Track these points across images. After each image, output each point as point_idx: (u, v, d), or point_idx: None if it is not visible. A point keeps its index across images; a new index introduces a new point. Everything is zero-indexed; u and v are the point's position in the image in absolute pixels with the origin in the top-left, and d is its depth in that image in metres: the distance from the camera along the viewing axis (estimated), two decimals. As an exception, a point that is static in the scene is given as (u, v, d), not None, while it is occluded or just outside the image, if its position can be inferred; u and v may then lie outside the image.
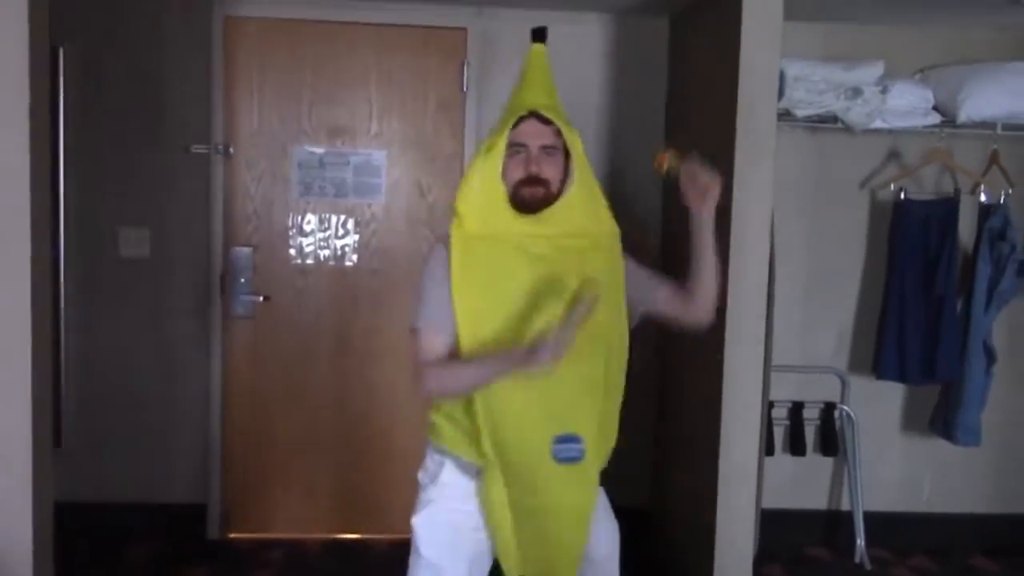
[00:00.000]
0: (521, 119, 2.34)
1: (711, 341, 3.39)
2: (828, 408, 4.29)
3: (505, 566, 2.39)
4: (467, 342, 2.28)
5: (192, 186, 4.12)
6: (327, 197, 4.18)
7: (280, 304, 4.19)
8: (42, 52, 2.72)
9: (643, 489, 4.36)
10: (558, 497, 2.34)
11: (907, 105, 3.90)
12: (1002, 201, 4.01)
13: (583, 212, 2.39)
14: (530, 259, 2.31)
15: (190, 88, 4.09)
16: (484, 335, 2.28)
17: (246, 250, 4.15)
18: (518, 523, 2.35)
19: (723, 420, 3.31)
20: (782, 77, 3.66)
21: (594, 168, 4.24)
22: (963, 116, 3.86)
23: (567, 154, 2.38)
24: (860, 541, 4.22)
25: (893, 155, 4.24)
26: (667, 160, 2.45)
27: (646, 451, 4.35)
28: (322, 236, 4.20)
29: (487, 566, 2.44)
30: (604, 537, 2.50)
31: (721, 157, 3.34)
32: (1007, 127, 3.93)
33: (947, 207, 4.08)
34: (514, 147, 2.34)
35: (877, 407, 4.36)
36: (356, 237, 4.21)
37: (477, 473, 2.36)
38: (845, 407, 4.27)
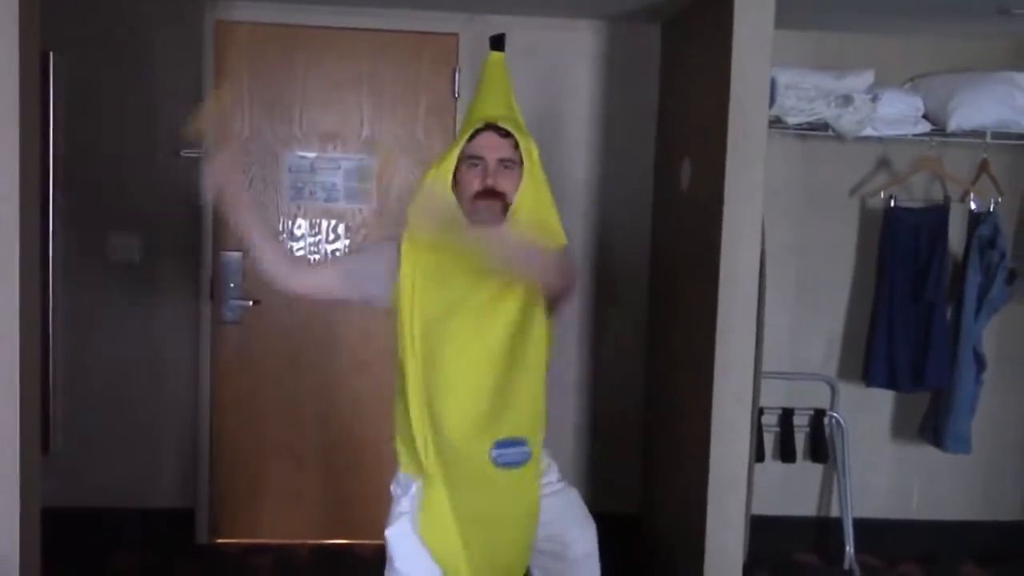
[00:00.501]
0: (478, 131, 2.33)
1: (701, 348, 3.40)
2: (818, 415, 4.29)
3: None
4: (419, 346, 2.30)
5: (182, 191, 4.11)
6: (318, 202, 4.18)
7: (270, 309, 4.18)
8: (32, 58, 2.71)
9: (633, 495, 4.36)
10: (504, 502, 2.35)
11: (897, 113, 3.91)
12: (992, 209, 4.02)
13: (530, 223, 2.36)
14: (476, 270, 2.30)
15: (181, 93, 4.08)
16: (436, 341, 2.30)
17: (236, 255, 4.14)
18: (465, 532, 2.34)
19: (713, 427, 3.31)
20: (773, 85, 3.67)
21: (584, 174, 4.30)
22: (953, 124, 3.88)
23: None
24: (849, 548, 4.22)
25: (883, 163, 4.26)
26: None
27: (636, 458, 4.36)
28: (313, 240, 4.19)
29: None
30: (579, 536, 2.50)
31: (712, 163, 3.36)
32: (997, 135, 3.96)
33: (937, 215, 4.09)
34: (471, 159, 2.32)
35: (867, 414, 4.37)
36: (347, 242, 4.20)
37: None
38: (835, 414, 4.28)
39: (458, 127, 4.09)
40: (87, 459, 4.15)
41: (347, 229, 4.20)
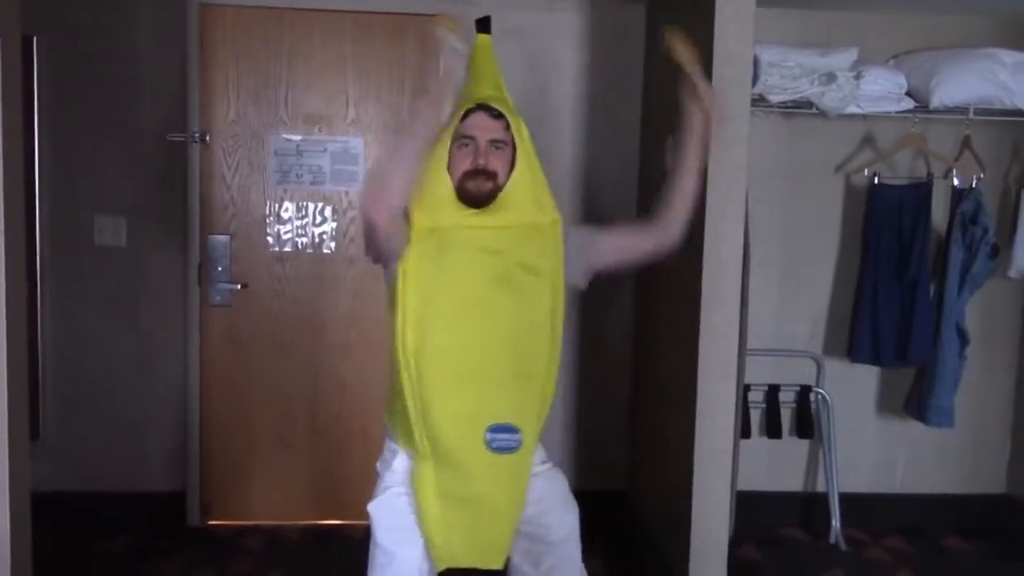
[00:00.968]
0: (469, 112, 2.35)
1: (686, 324, 3.42)
2: (804, 391, 4.33)
3: (436, 556, 2.39)
4: (413, 333, 2.30)
5: (168, 174, 4.11)
6: (304, 185, 4.18)
7: (257, 292, 4.19)
8: (15, 41, 2.70)
9: (620, 472, 4.40)
10: (492, 486, 2.36)
11: (881, 90, 3.92)
12: (974, 185, 4.04)
13: (526, 202, 2.39)
14: (473, 251, 2.33)
15: (166, 76, 4.07)
16: (432, 327, 2.31)
17: (223, 238, 4.15)
18: (449, 513, 2.36)
19: (698, 403, 3.34)
20: (756, 63, 3.68)
21: (570, 155, 4.30)
22: (936, 101, 3.89)
23: (515, 146, 2.39)
24: (835, 522, 4.27)
25: (867, 140, 4.28)
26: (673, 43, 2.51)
27: (622, 434, 4.39)
28: (299, 224, 4.20)
29: None
30: (561, 519, 2.52)
31: (696, 143, 3.37)
32: (979, 112, 3.97)
33: (920, 192, 4.12)
34: (462, 139, 2.34)
35: (852, 390, 4.41)
36: (334, 225, 4.21)
37: None
38: (820, 390, 4.32)
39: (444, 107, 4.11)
40: (77, 444, 4.17)
41: (334, 212, 4.20)
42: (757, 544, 4.22)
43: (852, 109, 3.90)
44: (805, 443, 4.43)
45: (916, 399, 4.22)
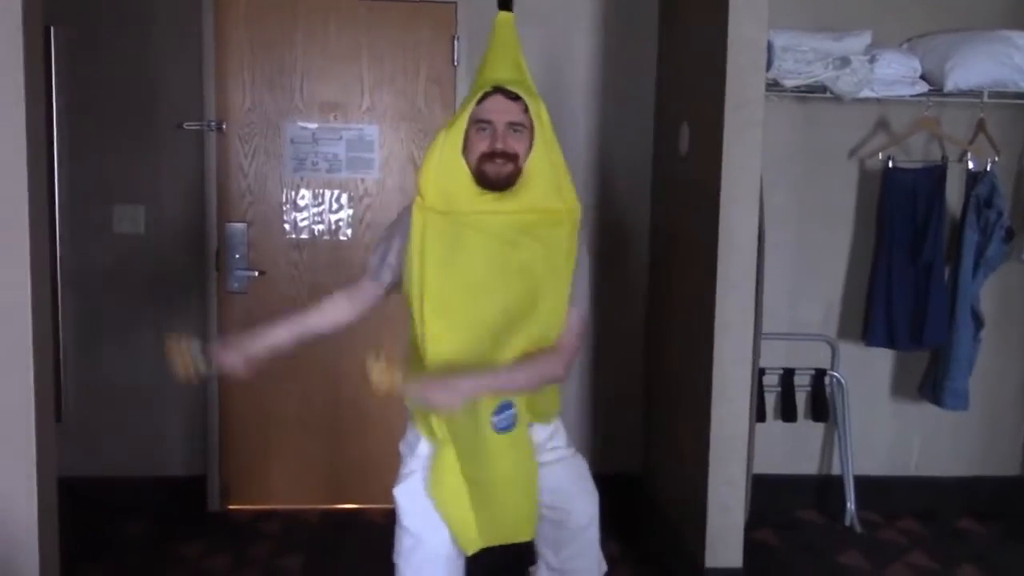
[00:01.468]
0: (487, 95, 2.29)
1: (701, 309, 3.44)
2: (819, 375, 4.34)
3: (463, 541, 2.39)
4: (429, 317, 2.30)
5: (186, 163, 4.14)
6: (320, 172, 4.21)
7: (275, 279, 4.23)
8: (35, 32, 2.73)
9: (635, 455, 4.42)
10: (505, 464, 2.35)
11: (895, 74, 3.92)
12: (989, 168, 4.04)
13: (545, 187, 2.34)
14: (488, 237, 2.30)
15: (182, 65, 4.10)
16: (448, 311, 2.30)
17: (240, 226, 4.18)
18: (472, 495, 2.36)
19: (714, 387, 3.36)
20: (770, 47, 3.68)
21: (584, 140, 4.31)
22: (950, 84, 3.89)
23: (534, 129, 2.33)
24: (850, 505, 4.29)
25: (881, 124, 4.27)
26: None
27: (638, 418, 4.41)
28: (316, 211, 4.23)
29: None
30: (581, 507, 2.51)
31: (710, 127, 3.38)
32: (993, 95, 3.96)
33: (935, 175, 4.12)
34: (479, 123, 2.29)
35: (867, 373, 4.42)
36: (350, 212, 4.23)
37: None
38: (835, 374, 4.33)
39: (458, 95, 4.13)
40: (98, 429, 4.21)
41: (350, 199, 4.23)
42: (773, 527, 4.24)
43: (866, 93, 3.90)
44: (820, 426, 4.45)
45: (931, 382, 4.22)
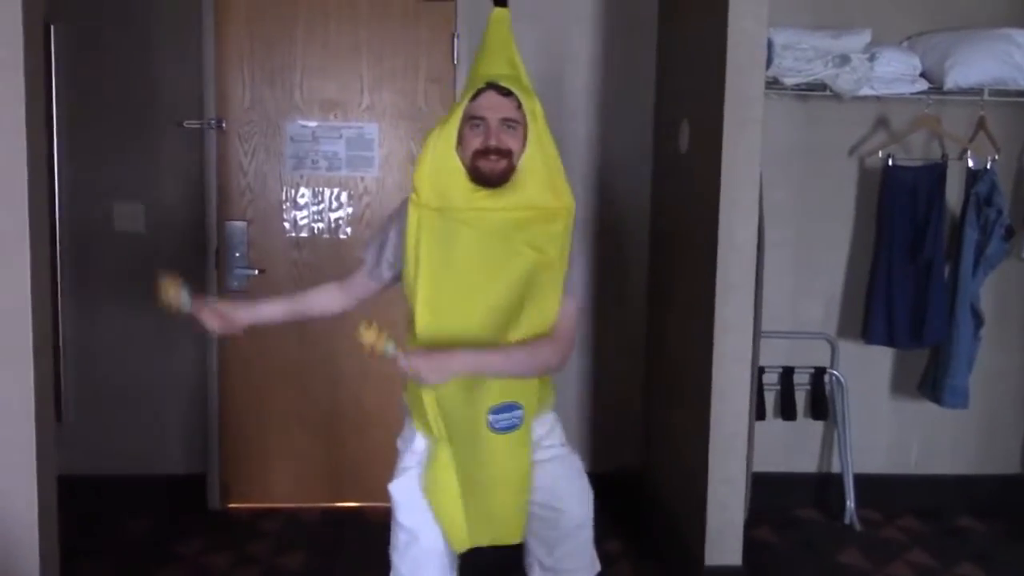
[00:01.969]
0: (480, 91, 2.29)
1: (701, 307, 3.44)
2: (818, 373, 4.34)
3: (452, 539, 2.40)
4: (423, 315, 2.31)
5: (186, 161, 4.14)
6: (320, 170, 4.21)
7: (275, 277, 4.22)
8: (35, 30, 2.73)
9: (635, 454, 4.42)
10: (501, 466, 2.35)
11: (895, 72, 3.92)
12: (989, 167, 4.04)
13: (539, 184, 2.33)
14: (483, 233, 2.29)
15: (182, 63, 4.10)
16: (443, 308, 2.31)
17: (240, 224, 4.18)
18: (466, 494, 2.36)
19: (714, 385, 3.36)
20: (770, 45, 3.68)
21: (583, 140, 4.31)
22: (950, 82, 3.89)
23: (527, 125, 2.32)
24: (850, 503, 4.29)
25: (881, 122, 4.27)
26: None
27: (637, 417, 4.41)
28: (316, 209, 4.23)
29: None
30: (575, 507, 2.49)
31: (710, 125, 3.38)
32: (994, 93, 3.96)
33: (935, 173, 4.12)
34: (473, 120, 2.29)
35: (866, 371, 4.42)
36: (350, 210, 4.23)
37: None
38: (835, 372, 4.33)
39: (458, 92, 4.13)
40: (98, 428, 4.21)
41: (350, 197, 4.23)
42: (772, 525, 4.24)
43: (866, 91, 3.90)
44: (820, 425, 4.45)
45: (931, 380, 4.23)
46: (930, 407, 4.28)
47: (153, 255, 4.17)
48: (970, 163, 4.10)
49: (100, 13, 4.06)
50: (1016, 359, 4.47)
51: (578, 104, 4.28)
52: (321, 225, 4.23)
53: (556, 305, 2.35)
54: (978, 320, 4.13)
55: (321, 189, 4.22)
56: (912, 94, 3.98)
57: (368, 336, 2.18)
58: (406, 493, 2.42)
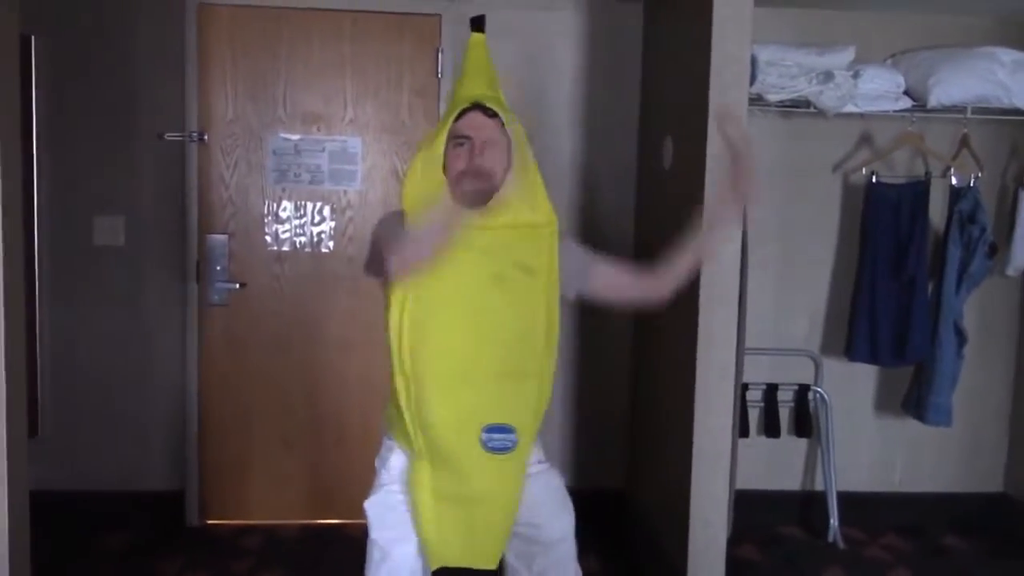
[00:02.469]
0: (464, 111, 2.32)
1: (685, 324, 3.42)
2: (802, 390, 4.33)
3: (429, 556, 2.39)
4: (409, 333, 2.30)
5: (167, 174, 4.12)
6: (302, 184, 4.18)
7: (256, 291, 4.20)
8: (13, 41, 2.71)
9: (618, 471, 4.40)
10: (488, 485, 2.35)
11: (878, 89, 3.93)
12: (972, 184, 4.05)
13: (522, 202, 2.36)
14: (470, 252, 2.28)
15: (164, 76, 4.08)
16: (428, 327, 2.30)
17: (222, 237, 4.15)
18: (445, 512, 2.35)
19: (696, 402, 3.34)
20: (754, 62, 3.68)
21: (568, 154, 4.31)
22: (933, 100, 3.90)
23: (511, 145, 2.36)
24: (833, 521, 4.28)
25: (865, 139, 4.28)
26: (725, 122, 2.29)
27: (621, 433, 4.39)
28: (298, 223, 4.20)
29: None
30: (555, 521, 2.50)
31: (694, 141, 3.38)
32: (977, 111, 3.98)
33: (918, 190, 4.12)
34: (457, 139, 2.32)
35: (850, 389, 4.41)
36: (332, 224, 4.21)
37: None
38: (819, 389, 4.32)
39: (442, 107, 4.12)
40: (75, 443, 4.17)
41: (332, 211, 4.20)
42: (755, 543, 4.22)
43: (850, 108, 3.91)
44: (803, 442, 4.44)
45: (914, 398, 4.22)
46: (914, 425, 4.27)
47: (133, 268, 4.14)
48: (953, 180, 4.11)
49: (82, 25, 4.03)
50: (999, 377, 4.47)
51: (562, 120, 4.27)
52: (303, 239, 4.20)
53: (549, 315, 2.38)
54: (961, 338, 4.13)
55: (303, 203, 4.19)
56: (896, 111, 3.99)
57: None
58: (379, 510, 2.42)
